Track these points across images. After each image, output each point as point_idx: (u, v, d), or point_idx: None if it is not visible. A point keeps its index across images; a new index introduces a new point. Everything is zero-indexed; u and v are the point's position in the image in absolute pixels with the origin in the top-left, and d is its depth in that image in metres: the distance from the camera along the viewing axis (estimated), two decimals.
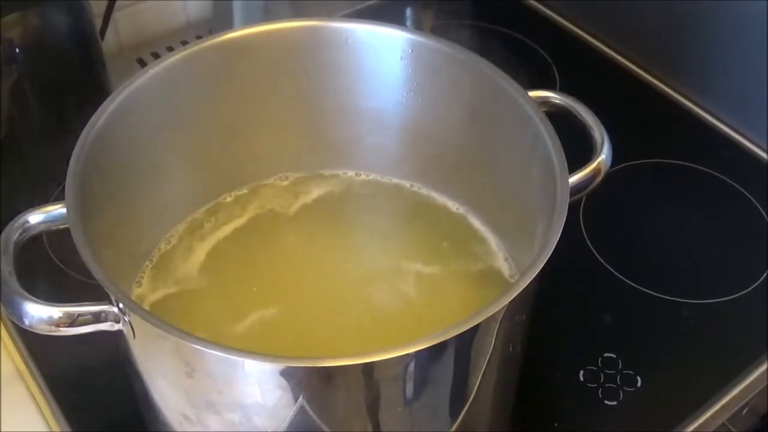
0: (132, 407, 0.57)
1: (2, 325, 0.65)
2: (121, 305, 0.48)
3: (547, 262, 0.47)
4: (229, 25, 0.85)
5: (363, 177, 0.68)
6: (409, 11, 0.92)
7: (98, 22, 0.80)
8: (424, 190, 0.67)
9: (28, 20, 0.73)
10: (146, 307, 0.59)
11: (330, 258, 0.64)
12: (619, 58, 0.89)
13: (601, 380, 0.64)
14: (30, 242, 0.52)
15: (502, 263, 0.62)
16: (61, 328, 0.48)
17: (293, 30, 0.62)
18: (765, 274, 0.70)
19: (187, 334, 0.45)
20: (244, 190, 0.67)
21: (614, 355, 0.65)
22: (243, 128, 0.65)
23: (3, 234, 0.51)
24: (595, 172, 0.56)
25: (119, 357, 0.53)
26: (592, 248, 0.72)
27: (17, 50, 0.73)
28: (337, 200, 0.67)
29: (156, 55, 0.87)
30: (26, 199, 0.67)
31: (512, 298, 0.46)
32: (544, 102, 0.58)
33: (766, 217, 0.75)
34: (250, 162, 0.67)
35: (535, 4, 0.95)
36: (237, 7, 0.85)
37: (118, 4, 0.82)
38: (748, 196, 0.76)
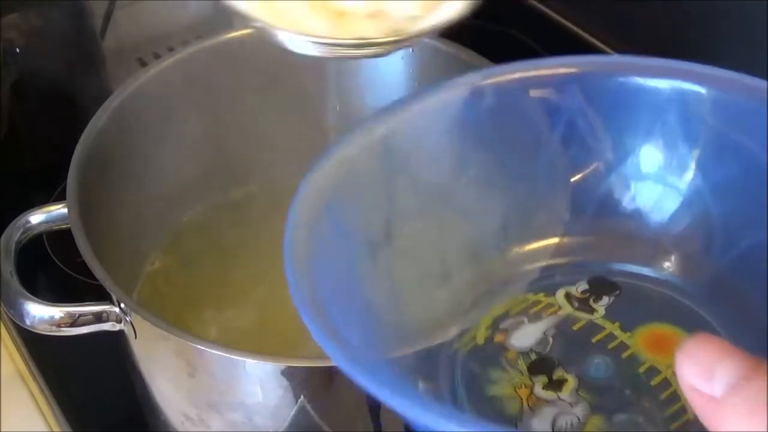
0: (132, 407, 0.57)
1: (3, 325, 0.65)
2: (122, 305, 0.48)
3: None
4: (229, 25, 0.85)
5: None
6: None
7: (98, 22, 0.80)
8: None
9: (28, 20, 0.73)
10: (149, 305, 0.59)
11: None
12: None
13: None
14: (31, 242, 0.52)
15: None
16: (62, 328, 0.48)
17: None
18: None
19: (189, 334, 0.45)
20: (246, 188, 0.67)
21: None
22: (243, 127, 0.65)
23: (4, 234, 0.51)
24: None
25: (120, 357, 0.53)
26: None
27: (17, 50, 0.73)
28: None
29: (156, 55, 0.86)
30: (27, 199, 0.67)
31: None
32: None
33: None
34: (251, 160, 0.67)
35: (537, 4, 0.95)
36: None
37: (118, 4, 0.82)
38: None
